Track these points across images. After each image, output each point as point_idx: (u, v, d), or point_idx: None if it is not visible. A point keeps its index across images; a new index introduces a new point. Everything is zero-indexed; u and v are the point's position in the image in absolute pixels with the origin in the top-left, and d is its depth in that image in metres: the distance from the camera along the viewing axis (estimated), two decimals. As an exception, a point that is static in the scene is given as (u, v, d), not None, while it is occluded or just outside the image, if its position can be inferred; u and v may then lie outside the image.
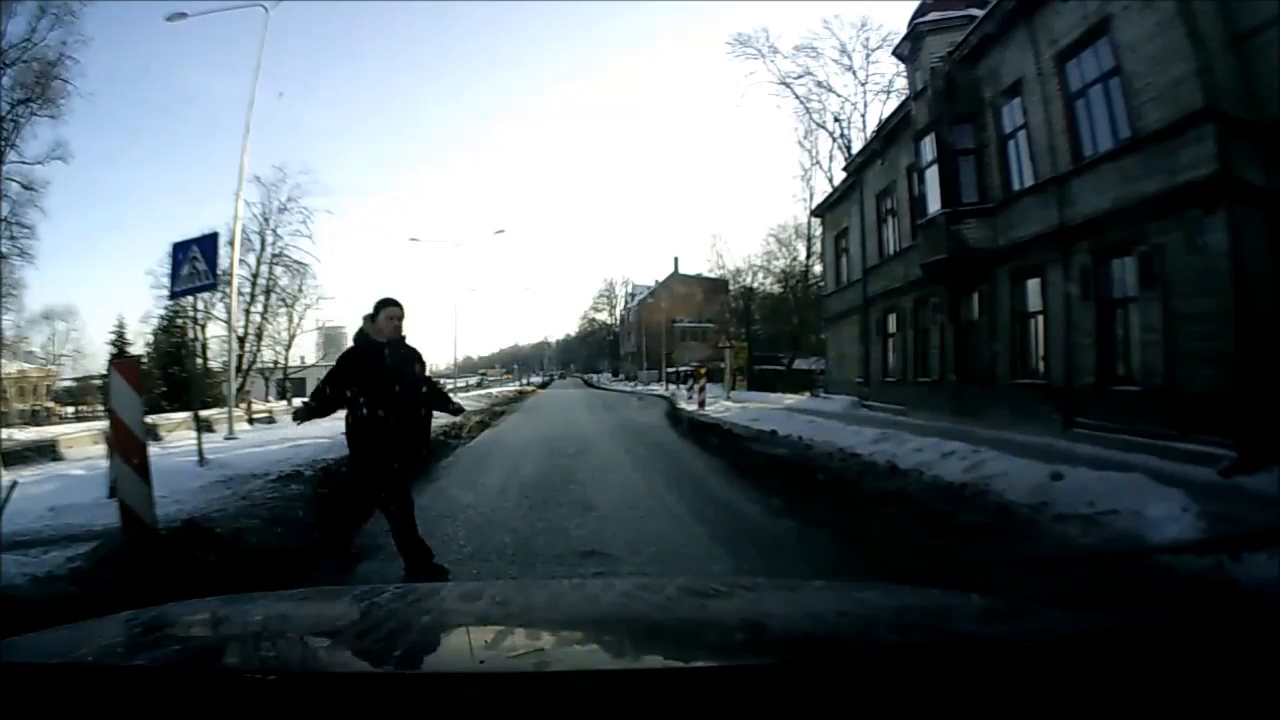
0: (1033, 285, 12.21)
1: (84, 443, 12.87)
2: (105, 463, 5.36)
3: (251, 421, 18.08)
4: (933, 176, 14.04)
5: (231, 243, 13.37)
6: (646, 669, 1.01)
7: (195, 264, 6.78)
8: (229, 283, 14.40)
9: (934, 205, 14.03)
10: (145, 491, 3.81)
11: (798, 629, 1.21)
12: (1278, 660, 0.90)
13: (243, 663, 1.09)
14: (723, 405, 17.74)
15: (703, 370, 20.92)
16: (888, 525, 4.56)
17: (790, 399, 21.73)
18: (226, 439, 10.41)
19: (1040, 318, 12.08)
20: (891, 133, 17.47)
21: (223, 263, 12.05)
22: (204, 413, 16.86)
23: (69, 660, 1.01)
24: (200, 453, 6.63)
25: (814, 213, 28.18)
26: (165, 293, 26.21)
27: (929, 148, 14.18)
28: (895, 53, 17.21)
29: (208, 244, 6.86)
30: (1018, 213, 12.50)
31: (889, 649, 1.08)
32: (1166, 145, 9.10)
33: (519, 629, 1.20)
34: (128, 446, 3.93)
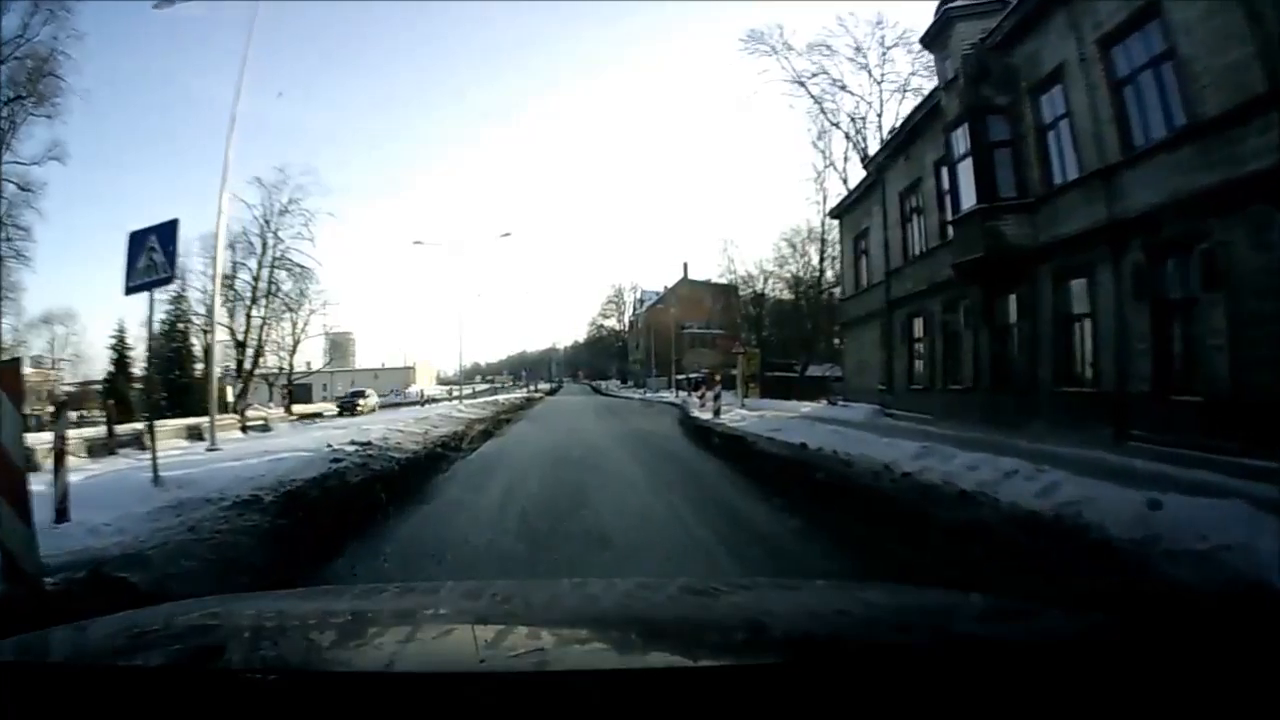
0: (1078, 285, 11.44)
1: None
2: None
3: (245, 429, 17.39)
4: (966, 170, 13.29)
5: (215, 243, 12.66)
6: (647, 668, 1.00)
7: (153, 255, 5.97)
8: (230, 285, 13.75)
9: (968, 201, 13.27)
10: (26, 534, 2.89)
11: (798, 629, 1.22)
12: (1277, 660, 0.90)
13: (243, 663, 1.06)
14: (738, 413, 16.85)
15: (717, 377, 20.03)
16: (971, 570, 3.68)
17: (806, 407, 20.94)
18: (209, 450, 9.68)
19: (1088, 320, 11.28)
20: (916, 127, 16.75)
21: (225, 264, 11.37)
22: (195, 420, 16.25)
23: (69, 660, 1.05)
24: (155, 471, 5.83)
25: (831, 214, 27.44)
26: (165, 295, 25.76)
27: (961, 140, 13.42)
28: (922, 41, 16.44)
29: (166, 232, 6.06)
30: (1061, 207, 11.71)
31: (890, 649, 1.08)
32: (1227, 134, 8.48)
33: (519, 628, 1.19)
34: (3, 477, 2.92)
